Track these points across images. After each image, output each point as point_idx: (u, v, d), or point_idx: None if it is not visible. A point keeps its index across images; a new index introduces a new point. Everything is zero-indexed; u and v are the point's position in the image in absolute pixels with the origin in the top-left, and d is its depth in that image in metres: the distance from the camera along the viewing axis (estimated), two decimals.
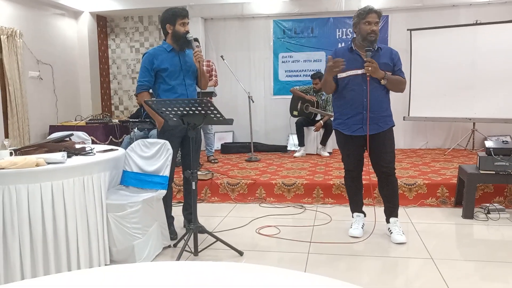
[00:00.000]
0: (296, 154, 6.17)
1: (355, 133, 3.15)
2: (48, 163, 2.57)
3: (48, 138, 3.63)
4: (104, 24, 7.87)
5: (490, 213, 3.68)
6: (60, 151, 2.78)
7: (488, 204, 3.78)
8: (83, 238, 2.63)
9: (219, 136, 7.09)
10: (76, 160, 2.74)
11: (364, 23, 3.06)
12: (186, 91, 3.27)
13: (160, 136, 3.30)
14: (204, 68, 5.52)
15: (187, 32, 3.19)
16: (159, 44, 3.36)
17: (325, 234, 3.39)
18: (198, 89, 3.47)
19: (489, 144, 3.74)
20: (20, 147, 2.91)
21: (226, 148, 6.68)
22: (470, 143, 6.29)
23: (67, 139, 3.27)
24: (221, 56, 6.11)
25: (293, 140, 6.61)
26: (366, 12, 3.06)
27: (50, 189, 2.49)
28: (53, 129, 6.09)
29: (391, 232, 3.21)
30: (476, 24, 5.92)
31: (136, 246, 2.80)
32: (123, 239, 2.79)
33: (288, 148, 6.70)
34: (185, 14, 3.21)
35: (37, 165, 2.50)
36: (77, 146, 3.06)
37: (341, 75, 3.15)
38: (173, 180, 3.56)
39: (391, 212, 3.27)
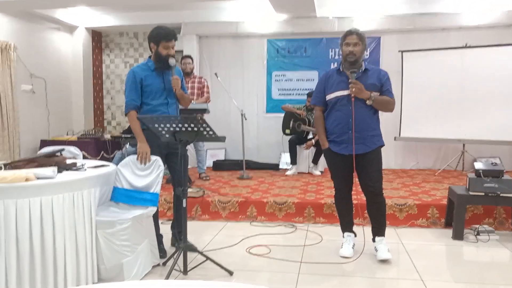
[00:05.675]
0: (288, 173, 6.17)
1: (341, 151, 3.19)
2: (38, 178, 2.54)
3: (39, 152, 3.60)
4: (99, 39, 7.90)
5: (479, 235, 3.69)
6: (50, 166, 2.76)
7: (477, 226, 3.79)
8: (71, 255, 2.58)
9: (211, 153, 7.09)
10: (67, 175, 2.72)
11: (344, 45, 3.15)
12: (167, 109, 3.24)
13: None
14: (196, 84, 5.58)
15: (169, 56, 3.10)
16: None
17: (315, 254, 3.38)
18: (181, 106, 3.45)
19: (478, 165, 3.77)
20: (10, 161, 2.88)
21: (218, 165, 6.66)
22: (460, 164, 6.35)
23: (58, 154, 3.24)
24: (215, 74, 6.15)
25: (285, 158, 6.62)
26: (345, 34, 3.15)
27: (39, 205, 2.46)
28: (44, 143, 6.04)
29: (377, 251, 3.21)
30: (466, 47, 6.05)
31: (125, 264, 2.76)
32: (112, 257, 2.76)
33: (280, 166, 6.69)
34: (170, 37, 3.09)
35: (27, 180, 2.47)
36: (68, 161, 3.05)
37: (329, 96, 3.22)
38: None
39: (377, 231, 3.28)
